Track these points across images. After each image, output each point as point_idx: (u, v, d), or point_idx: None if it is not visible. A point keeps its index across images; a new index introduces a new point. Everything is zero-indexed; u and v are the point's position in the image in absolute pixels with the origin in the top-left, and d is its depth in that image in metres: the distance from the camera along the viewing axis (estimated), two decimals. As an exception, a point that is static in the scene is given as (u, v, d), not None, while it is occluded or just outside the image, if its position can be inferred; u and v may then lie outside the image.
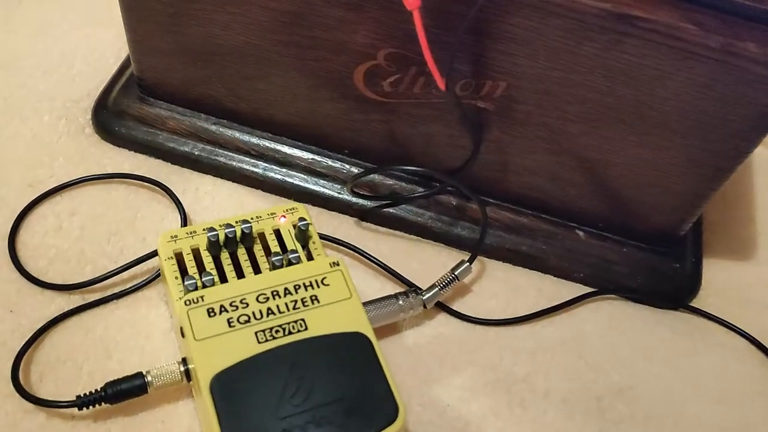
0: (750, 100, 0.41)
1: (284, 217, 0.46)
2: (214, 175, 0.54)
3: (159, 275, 0.47)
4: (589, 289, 0.52)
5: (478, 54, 0.43)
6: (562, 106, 0.45)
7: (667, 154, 0.46)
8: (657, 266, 0.53)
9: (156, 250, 0.45)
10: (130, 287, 0.47)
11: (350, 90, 0.48)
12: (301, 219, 0.45)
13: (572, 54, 0.41)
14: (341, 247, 0.51)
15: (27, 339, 0.43)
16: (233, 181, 0.54)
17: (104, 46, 0.60)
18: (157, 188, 0.52)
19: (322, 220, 0.53)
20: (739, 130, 0.43)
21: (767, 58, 0.37)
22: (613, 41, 0.40)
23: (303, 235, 0.45)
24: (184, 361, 0.40)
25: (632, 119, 0.44)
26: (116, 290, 0.46)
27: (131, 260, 0.47)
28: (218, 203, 0.52)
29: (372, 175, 0.52)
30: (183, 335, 0.39)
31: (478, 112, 0.47)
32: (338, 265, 0.42)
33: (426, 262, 0.51)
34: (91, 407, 0.40)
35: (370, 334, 0.39)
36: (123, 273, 0.47)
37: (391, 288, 0.49)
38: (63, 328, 0.45)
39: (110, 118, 0.54)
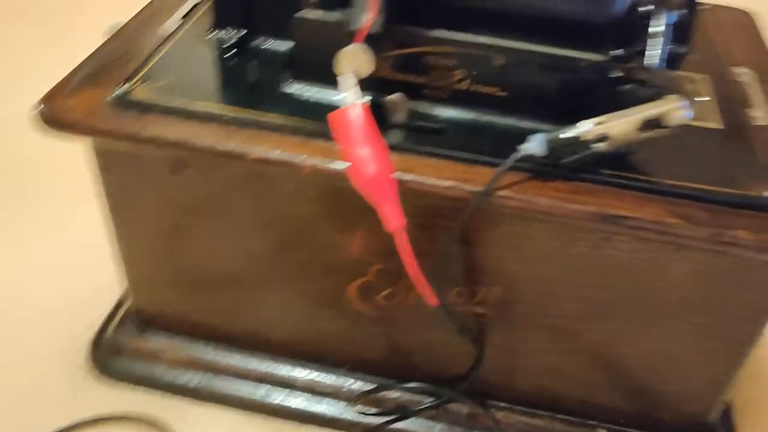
0: (753, 284, 0.40)
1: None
2: (214, 403, 0.52)
3: None
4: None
5: (468, 262, 0.43)
6: (561, 305, 0.44)
7: (678, 342, 0.44)
8: (691, 459, 0.49)
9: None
10: None
11: (345, 306, 0.47)
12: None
13: (563, 254, 0.41)
14: (351, 474, 0.47)
15: None
16: (234, 408, 0.52)
17: (103, 283, 0.60)
18: (154, 428, 0.50)
19: (329, 442, 0.50)
20: (747, 314, 0.41)
21: (761, 243, 0.37)
22: (603, 239, 0.40)
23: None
24: None
25: (636, 311, 0.43)
26: None
27: None
28: (219, 435, 0.50)
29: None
30: None
31: (477, 318, 0.45)
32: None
33: (443, 479, 0.48)
34: None
35: None
36: None
37: None
38: None
39: (107, 354, 0.53)
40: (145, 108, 0.41)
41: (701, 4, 0.58)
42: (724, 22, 0.57)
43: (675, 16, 0.39)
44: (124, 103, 0.42)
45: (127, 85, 0.42)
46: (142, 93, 0.42)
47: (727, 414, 0.51)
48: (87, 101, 0.42)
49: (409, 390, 0.50)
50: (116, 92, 0.42)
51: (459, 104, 0.42)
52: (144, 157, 0.43)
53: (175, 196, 0.44)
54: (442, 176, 0.39)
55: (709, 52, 0.51)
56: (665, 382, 0.46)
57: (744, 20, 0.59)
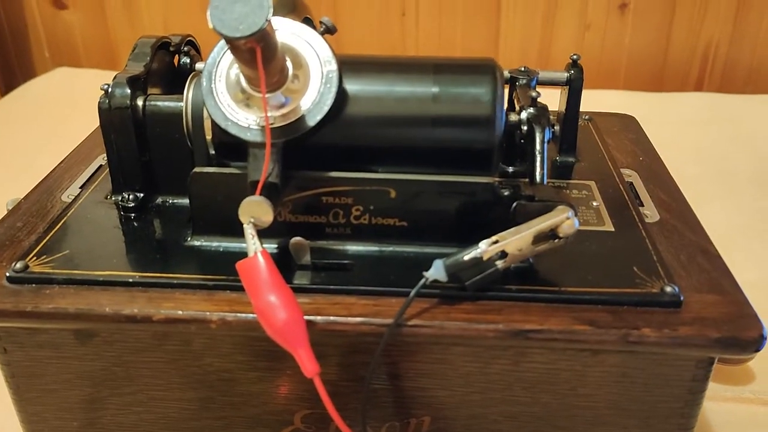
0: (672, 379, 0.40)
1: None
2: None
3: None
4: None
5: (394, 395, 0.42)
6: (492, 426, 0.43)
7: (614, 448, 0.43)
8: None
9: None
10: None
11: (276, 459, 0.45)
12: None
13: (484, 374, 0.41)
14: None
15: None
16: None
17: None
18: None
19: None
20: (673, 408, 0.41)
21: (667, 339, 0.37)
22: (519, 354, 0.40)
23: None
24: None
25: (566, 422, 0.42)
26: None
27: None
28: None
29: None
30: None
31: (412, 451, 0.44)
32: None
33: None
34: None
35: None
36: None
37: None
38: None
39: None
40: (43, 282, 0.40)
41: (587, 113, 0.62)
42: (611, 128, 0.61)
43: (549, 132, 0.42)
44: (21, 279, 0.40)
45: (22, 262, 0.41)
46: (40, 267, 0.41)
47: None
48: (-19, 283, 0.41)
49: None
50: (11, 270, 0.41)
51: (361, 239, 0.43)
52: (48, 332, 0.41)
53: (84, 368, 0.43)
54: (352, 313, 0.39)
55: (597, 158, 0.54)
56: (611, 491, 0.45)
57: (629, 124, 0.63)
